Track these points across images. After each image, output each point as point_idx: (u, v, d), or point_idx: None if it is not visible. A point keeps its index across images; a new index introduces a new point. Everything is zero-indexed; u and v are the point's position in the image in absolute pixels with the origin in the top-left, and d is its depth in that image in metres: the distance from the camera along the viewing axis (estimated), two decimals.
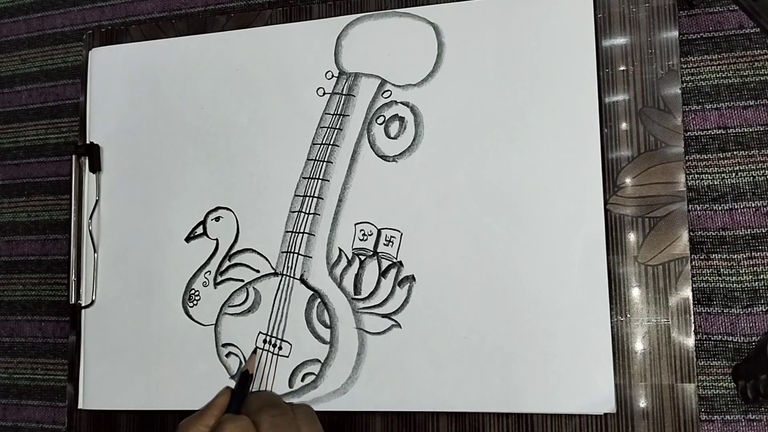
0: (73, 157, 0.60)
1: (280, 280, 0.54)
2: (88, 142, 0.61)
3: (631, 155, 0.49)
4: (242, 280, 0.55)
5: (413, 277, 0.51)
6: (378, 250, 0.52)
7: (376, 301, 0.52)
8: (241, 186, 0.56)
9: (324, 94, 0.55)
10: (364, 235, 0.53)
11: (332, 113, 0.55)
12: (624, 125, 0.50)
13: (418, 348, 0.50)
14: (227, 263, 0.56)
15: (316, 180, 0.54)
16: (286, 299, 0.54)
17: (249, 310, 0.55)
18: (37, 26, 0.70)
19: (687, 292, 0.47)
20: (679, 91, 0.49)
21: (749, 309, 0.49)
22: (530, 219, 0.50)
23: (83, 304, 0.59)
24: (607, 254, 0.48)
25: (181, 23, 0.61)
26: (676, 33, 0.50)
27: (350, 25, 0.56)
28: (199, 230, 0.57)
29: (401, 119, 0.53)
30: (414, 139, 0.53)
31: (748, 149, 0.50)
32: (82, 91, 0.62)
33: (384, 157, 0.53)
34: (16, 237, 0.67)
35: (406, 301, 0.51)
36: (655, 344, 0.47)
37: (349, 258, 0.53)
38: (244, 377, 0.48)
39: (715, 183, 0.50)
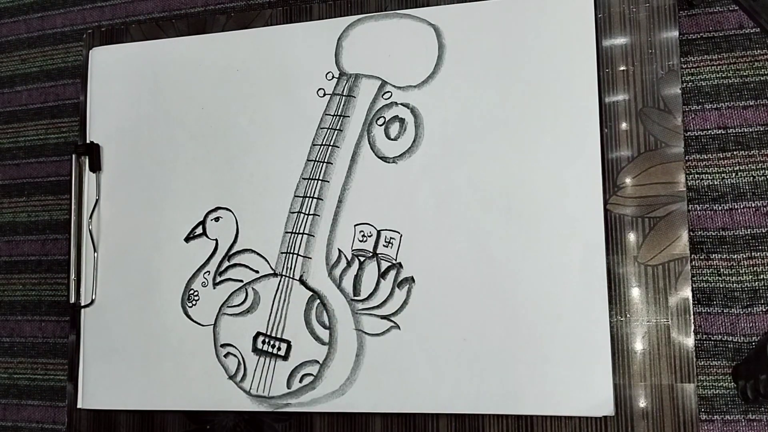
0: (73, 156, 0.60)
1: (280, 281, 0.54)
2: (88, 141, 0.60)
3: (631, 155, 0.49)
4: (241, 281, 0.55)
5: (413, 279, 0.51)
6: (377, 252, 0.52)
7: (375, 302, 0.52)
8: (241, 186, 0.56)
9: (324, 95, 0.55)
10: (363, 236, 0.53)
11: (332, 114, 0.55)
12: (624, 125, 0.50)
13: (417, 349, 0.50)
14: (226, 263, 0.56)
15: (315, 181, 0.54)
16: (285, 300, 0.54)
17: (248, 311, 0.55)
18: (37, 26, 0.70)
19: (687, 292, 0.47)
20: (679, 91, 0.49)
21: (749, 309, 0.49)
22: (530, 219, 0.50)
23: (83, 304, 0.59)
24: (607, 254, 0.48)
25: (181, 23, 0.60)
26: (676, 33, 0.49)
27: (351, 26, 0.56)
28: (199, 230, 0.57)
29: (401, 120, 0.53)
30: (414, 141, 0.53)
31: (748, 149, 0.50)
32: (82, 90, 0.62)
33: (384, 159, 0.53)
34: (16, 237, 0.67)
35: (405, 302, 0.51)
36: (654, 344, 0.47)
37: (349, 259, 0.53)
38: None
39: (715, 183, 0.50)
